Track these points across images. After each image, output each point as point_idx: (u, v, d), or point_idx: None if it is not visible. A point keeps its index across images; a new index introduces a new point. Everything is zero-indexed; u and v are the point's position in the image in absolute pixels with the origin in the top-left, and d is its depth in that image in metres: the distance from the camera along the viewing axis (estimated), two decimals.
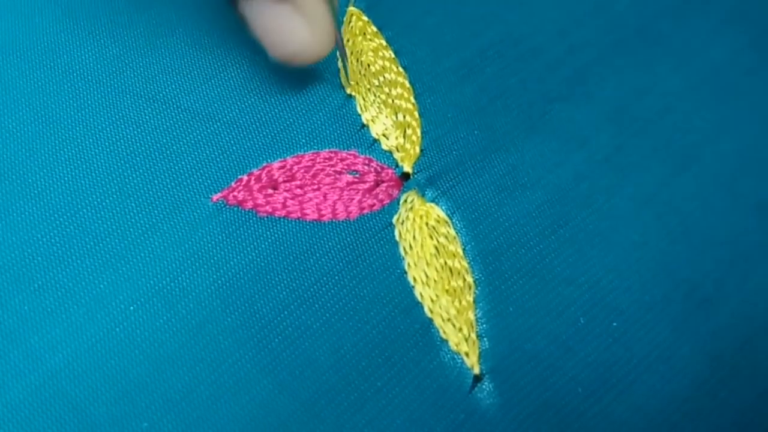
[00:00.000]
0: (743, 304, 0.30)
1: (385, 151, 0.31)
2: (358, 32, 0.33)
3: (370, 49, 0.33)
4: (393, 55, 0.33)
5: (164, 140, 0.30)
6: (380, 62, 0.33)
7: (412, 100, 0.32)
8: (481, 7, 0.34)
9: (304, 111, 0.32)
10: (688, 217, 0.31)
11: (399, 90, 0.32)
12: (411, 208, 0.31)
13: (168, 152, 0.30)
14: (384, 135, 0.32)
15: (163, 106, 0.31)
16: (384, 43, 0.33)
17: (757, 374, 0.29)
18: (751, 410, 0.29)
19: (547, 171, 0.32)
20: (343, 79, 0.32)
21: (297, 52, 0.29)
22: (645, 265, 0.30)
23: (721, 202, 0.32)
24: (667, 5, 0.36)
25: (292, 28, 0.28)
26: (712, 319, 0.30)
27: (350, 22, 0.33)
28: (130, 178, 0.30)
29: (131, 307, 0.28)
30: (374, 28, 0.33)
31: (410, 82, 0.33)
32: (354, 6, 0.34)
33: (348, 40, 0.33)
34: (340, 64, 0.32)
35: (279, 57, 0.29)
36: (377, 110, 0.32)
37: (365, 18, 0.33)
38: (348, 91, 0.32)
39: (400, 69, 0.33)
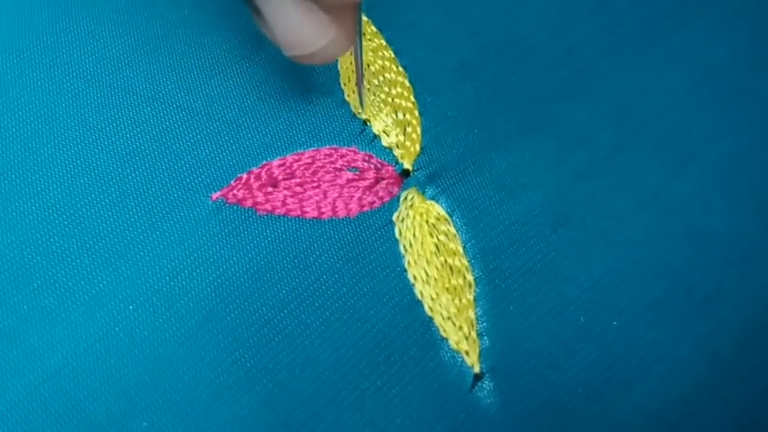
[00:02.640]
0: (743, 304, 0.30)
1: (386, 147, 0.31)
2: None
3: (370, 50, 0.33)
4: (393, 55, 0.33)
5: (164, 139, 0.30)
6: (380, 62, 0.33)
7: (412, 98, 0.32)
8: (482, 6, 0.34)
9: (303, 109, 0.32)
10: (688, 216, 0.31)
11: (399, 89, 0.32)
12: (411, 205, 0.31)
13: (167, 151, 0.30)
14: (384, 132, 0.32)
15: (163, 106, 0.31)
16: (384, 43, 0.33)
17: (757, 373, 0.29)
18: (751, 409, 0.29)
19: (547, 170, 0.32)
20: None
21: (315, 52, 0.27)
22: (645, 264, 0.30)
23: (721, 202, 0.32)
24: (667, 5, 0.35)
25: (312, 25, 0.27)
26: (712, 318, 0.30)
27: None
28: (130, 177, 0.30)
29: (131, 306, 0.28)
30: (374, 29, 0.33)
31: (410, 82, 0.33)
32: None
33: None
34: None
35: (295, 56, 0.28)
36: (377, 108, 0.32)
37: (365, 18, 0.33)
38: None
39: (400, 68, 0.33)
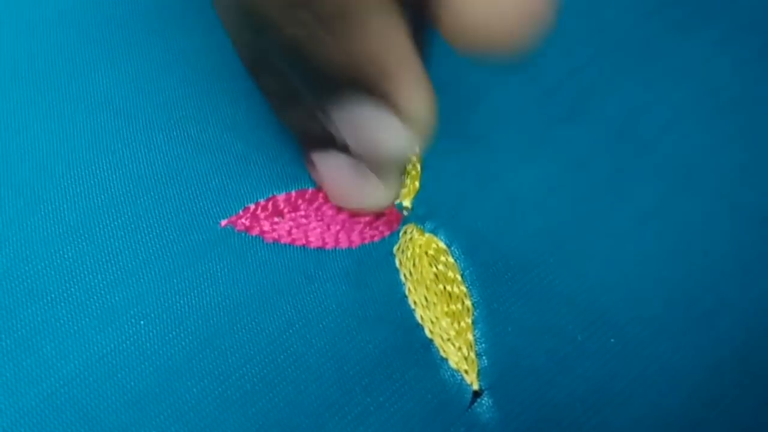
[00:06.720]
0: (743, 317, 0.30)
1: None
2: None
3: None
4: None
5: (174, 166, 0.31)
6: None
7: None
8: None
9: None
10: (688, 232, 0.32)
11: None
12: (411, 239, 0.31)
13: (178, 177, 0.31)
14: None
15: (174, 134, 0.32)
16: None
17: (757, 387, 0.30)
18: (751, 423, 0.29)
19: (547, 195, 0.32)
20: None
21: (368, 208, 0.31)
22: (644, 282, 0.31)
23: (722, 216, 0.32)
24: (669, 22, 0.36)
25: (366, 191, 0.30)
26: (711, 331, 0.30)
27: None
28: (142, 199, 0.31)
29: (141, 322, 0.28)
30: None
31: None
32: None
33: None
34: None
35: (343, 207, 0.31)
36: None
37: None
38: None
39: None
